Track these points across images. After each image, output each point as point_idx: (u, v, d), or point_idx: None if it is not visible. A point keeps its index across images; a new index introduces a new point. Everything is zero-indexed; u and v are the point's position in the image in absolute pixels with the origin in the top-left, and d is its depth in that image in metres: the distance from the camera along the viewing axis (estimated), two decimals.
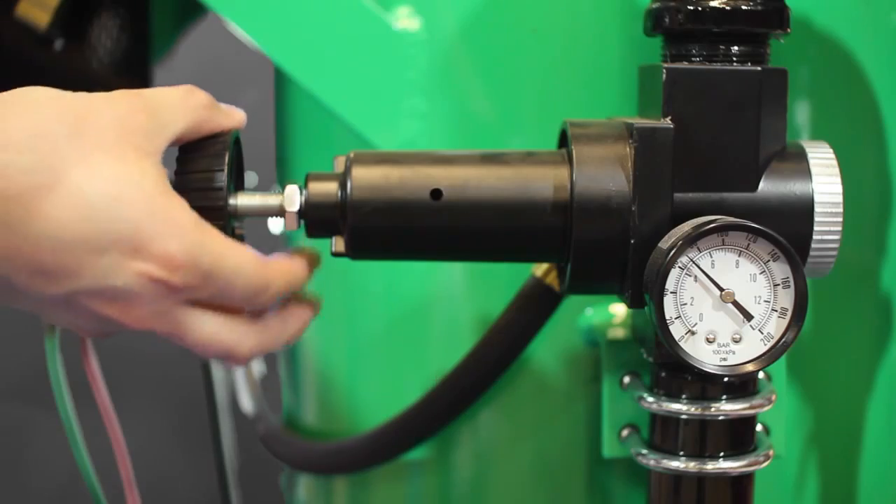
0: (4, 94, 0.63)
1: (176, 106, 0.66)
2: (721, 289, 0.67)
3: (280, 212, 0.69)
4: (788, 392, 0.83)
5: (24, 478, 1.69)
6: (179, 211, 0.64)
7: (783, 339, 0.67)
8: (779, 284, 0.67)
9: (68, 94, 0.64)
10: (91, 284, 0.62)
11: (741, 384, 0.72)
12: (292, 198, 0.69)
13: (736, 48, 0.70)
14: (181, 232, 0.63)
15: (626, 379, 0.79)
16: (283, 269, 0.68)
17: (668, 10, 0.70)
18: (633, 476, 0.84)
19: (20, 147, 0.61)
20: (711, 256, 0.67)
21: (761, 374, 0.74)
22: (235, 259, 0.65)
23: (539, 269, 0.77)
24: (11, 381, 1.66)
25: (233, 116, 0.69)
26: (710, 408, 0.72)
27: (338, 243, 0.70)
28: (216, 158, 0.67)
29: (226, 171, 0.67)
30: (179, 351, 0.69)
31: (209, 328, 0.66)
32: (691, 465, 0.72)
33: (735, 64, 0.70)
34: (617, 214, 0.68)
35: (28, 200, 0.60)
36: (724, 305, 0.67)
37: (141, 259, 0.62)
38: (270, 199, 0.69)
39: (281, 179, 0.97)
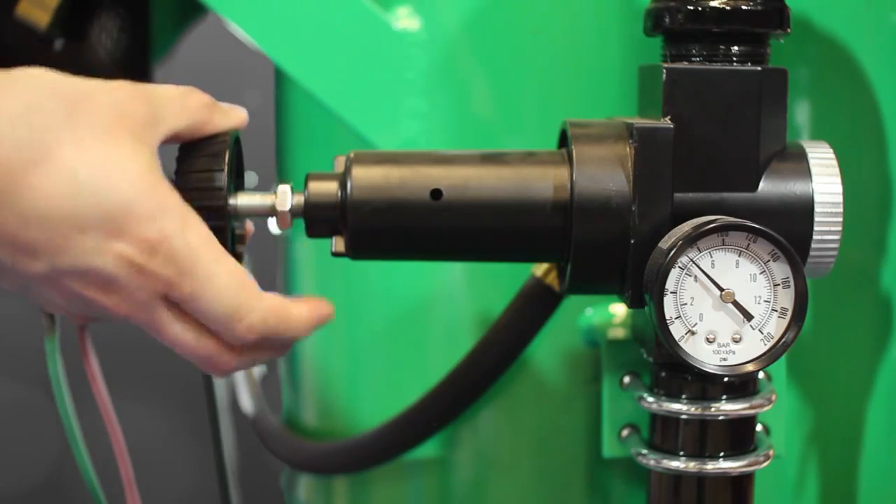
0: (3, 71, 0.62)
1: (174, 102, 0.66)
2: (721, 289, 0.67)
3: None
4: (788, 392, 0.83)
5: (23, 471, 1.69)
6: (167, 198, 0.63)
7: (783, 339, 0.67)
8: (779, 284, 0.67)
9: (68, 76, 0.64)
10: (73, 263, 0.62)
11: (741, 384, 0.72)
12: (284, 197, 0.69)
13: (736, 48, 0.70)
14: (163, 218, 0.63)
15: (626, 379, 0.79)
16: (271, 304, 0.66)
17: (668, 10, 0.70)
18: (633, 476, 0.84)
19: (14, 120, 0.60)
20: (711, 256, 0.67)
21: (761, 374, 0.74)
22: (214, 264, 0.64)
23: (539, 269, 0.77)
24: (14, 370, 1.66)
25: (233, 116, 0.69)
26: (710, 408, 0.72)
27: (338, 243, 0.70)
28: (216, 158, 0.67)
29: (226, 170, 0.67)
30: None
31: (188, 334, 0.66)
32: (691, 465, 0.72)
33: (735, 64, 0.70)
34: (617, 214, 0.68)
35: (16, 174, 0.60)
36: (724, 305, 0.67)
37: (122, 241, 0.62)
38: (270, 199, 0.69)
39: (281, 179, 0.97)
